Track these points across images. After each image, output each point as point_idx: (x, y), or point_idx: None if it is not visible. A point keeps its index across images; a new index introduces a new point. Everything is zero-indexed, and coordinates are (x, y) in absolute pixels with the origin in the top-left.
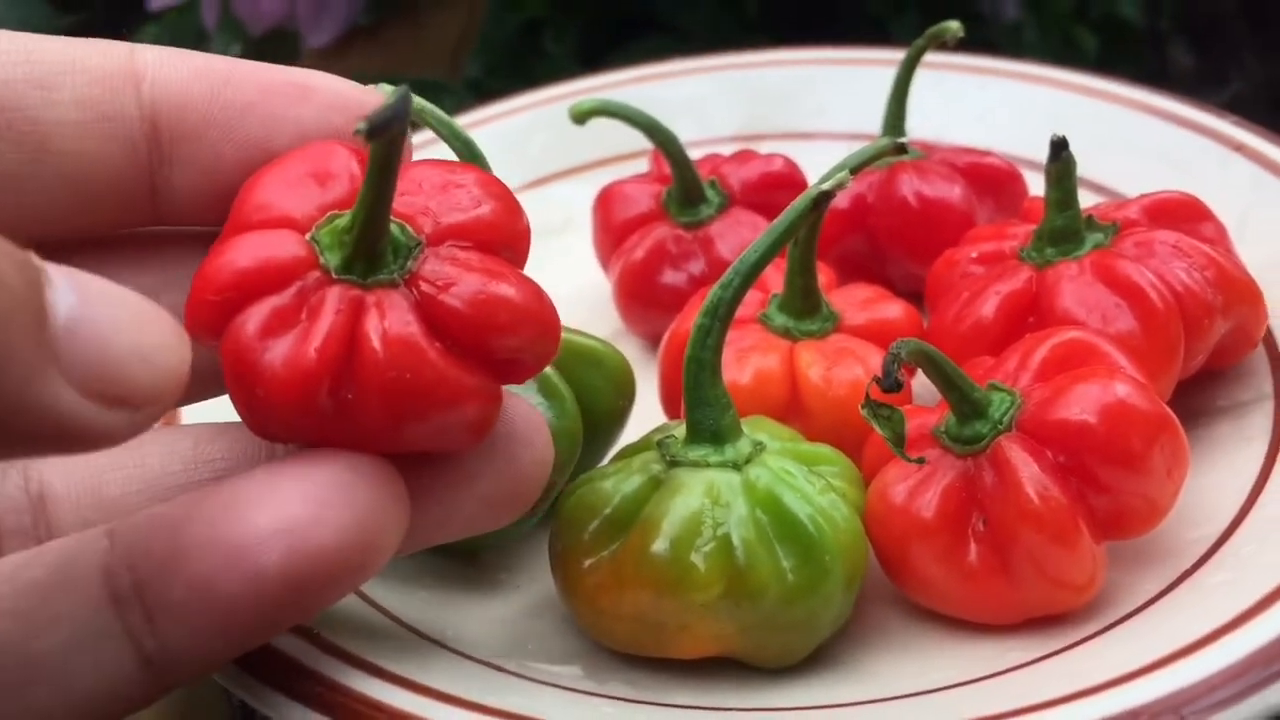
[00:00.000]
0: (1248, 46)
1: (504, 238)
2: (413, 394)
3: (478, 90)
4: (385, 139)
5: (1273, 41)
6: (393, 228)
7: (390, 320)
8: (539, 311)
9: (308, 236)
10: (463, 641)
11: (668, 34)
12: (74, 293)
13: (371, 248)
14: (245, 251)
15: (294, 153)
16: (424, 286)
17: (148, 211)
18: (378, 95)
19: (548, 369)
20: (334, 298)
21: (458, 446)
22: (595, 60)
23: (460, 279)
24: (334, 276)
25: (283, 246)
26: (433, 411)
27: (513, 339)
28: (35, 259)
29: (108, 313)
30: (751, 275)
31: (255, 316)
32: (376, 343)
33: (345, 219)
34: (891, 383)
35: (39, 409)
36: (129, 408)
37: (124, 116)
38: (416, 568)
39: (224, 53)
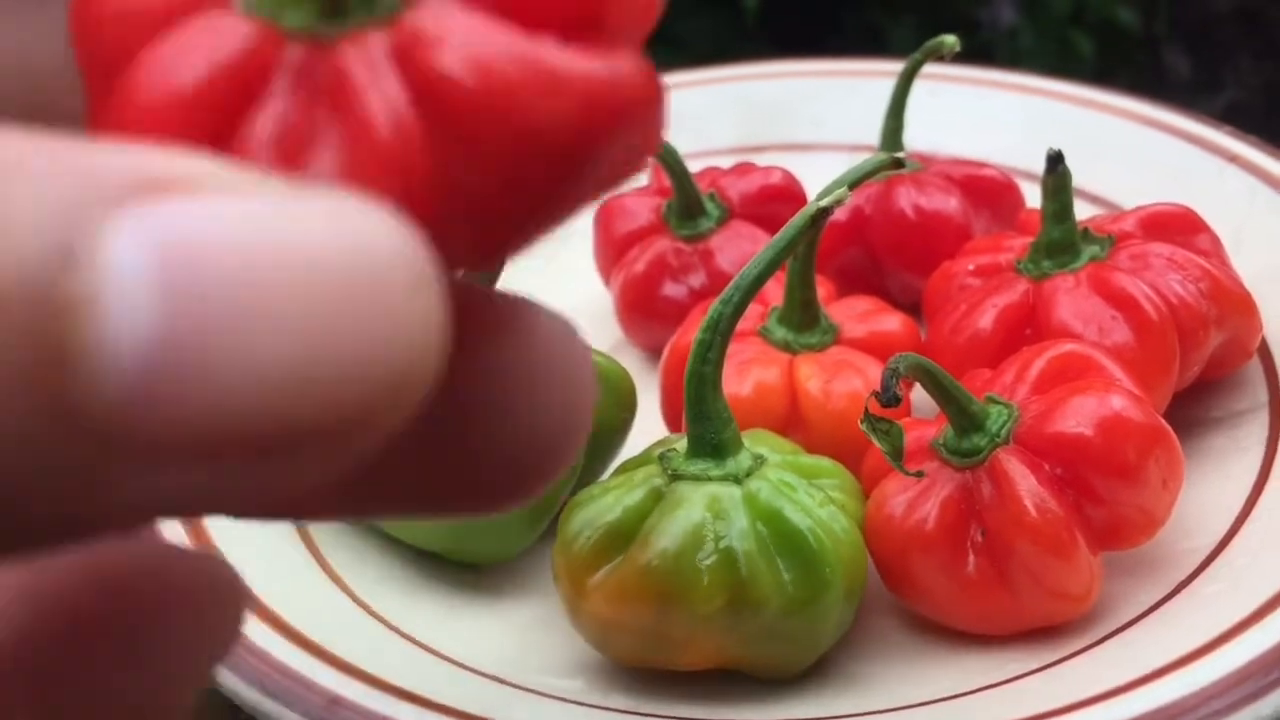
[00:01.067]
0: (1243, 51)
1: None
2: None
3: None
4: None
5: (1268, 46)
6: None
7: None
8: None
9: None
10: (466, 655)
11: (665, 44)
12: (145, 259)
13: None
14: (177, 58)
15: None
16: None
17: None
18: None
19: None
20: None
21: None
22: None
23: None
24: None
25: (228, 33)
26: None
27: None
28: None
29: (218, 313)
30: (752, 290)
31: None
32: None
33: None
34: (890, 397)
35: (125, 506)
36: (288, 448)
37: None
38: (420, 581)
39: None
